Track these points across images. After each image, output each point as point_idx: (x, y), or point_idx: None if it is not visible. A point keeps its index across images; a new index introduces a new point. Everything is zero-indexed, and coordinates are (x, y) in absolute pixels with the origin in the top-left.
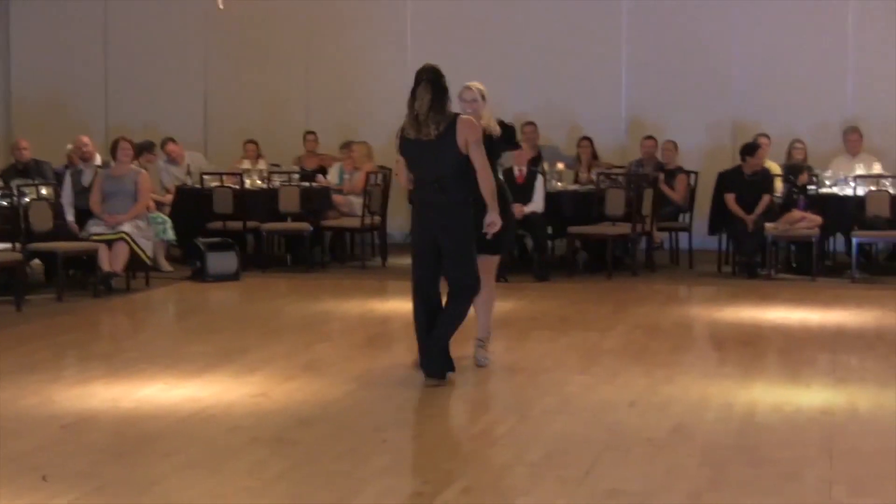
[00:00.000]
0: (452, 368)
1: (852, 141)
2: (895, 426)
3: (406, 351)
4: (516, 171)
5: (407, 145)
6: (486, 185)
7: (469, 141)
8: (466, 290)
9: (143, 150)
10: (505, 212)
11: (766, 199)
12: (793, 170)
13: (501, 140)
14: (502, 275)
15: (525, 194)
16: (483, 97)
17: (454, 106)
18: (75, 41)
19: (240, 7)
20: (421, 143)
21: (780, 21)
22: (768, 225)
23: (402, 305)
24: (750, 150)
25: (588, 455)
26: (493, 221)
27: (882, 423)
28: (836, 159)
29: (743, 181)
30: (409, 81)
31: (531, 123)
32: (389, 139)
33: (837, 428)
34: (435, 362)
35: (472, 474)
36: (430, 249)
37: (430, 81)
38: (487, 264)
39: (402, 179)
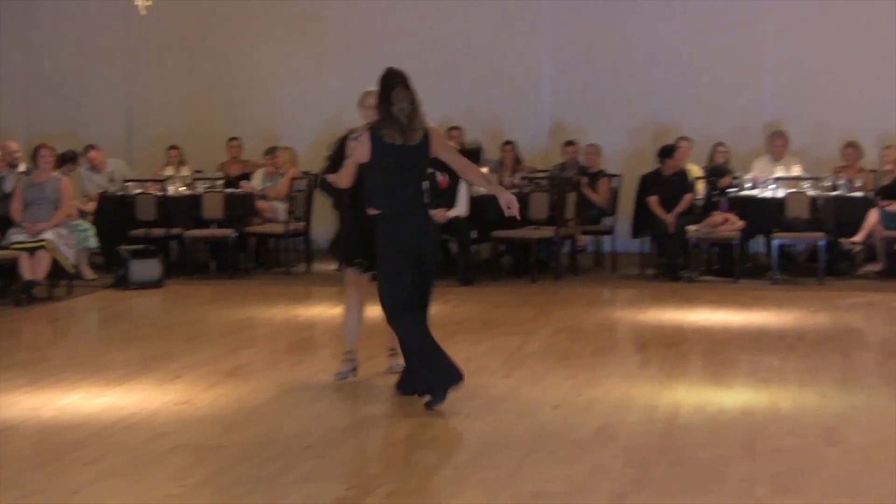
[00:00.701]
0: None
1: (777, 145)
2: (816, 425)
3: (330, 357)
4: (439, 177)
5: (388, 151)
6: (478, 177)
7: (441, 149)
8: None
9: (65, 160)
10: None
11: (687, 198)
12: (715, 172)
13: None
14: None
15: (448, 198)
16: None
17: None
18: None
19: (162, 13)
20: (406, 150)
21: (700, 24)
22: (690, 228)
23: (326, 311)
24: (668, 151)
25: (513, 457)
26: (510, 198)
27: (803, 422)
28: (758, 161)
29: (663, 182)
30: (331, 87)
31: (456, 128)
32: (313, 144)
33: (759, 428)
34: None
35: (398, 478)
36: (411, 264)
37: (407, 86)
38: None
39: (346, 182)
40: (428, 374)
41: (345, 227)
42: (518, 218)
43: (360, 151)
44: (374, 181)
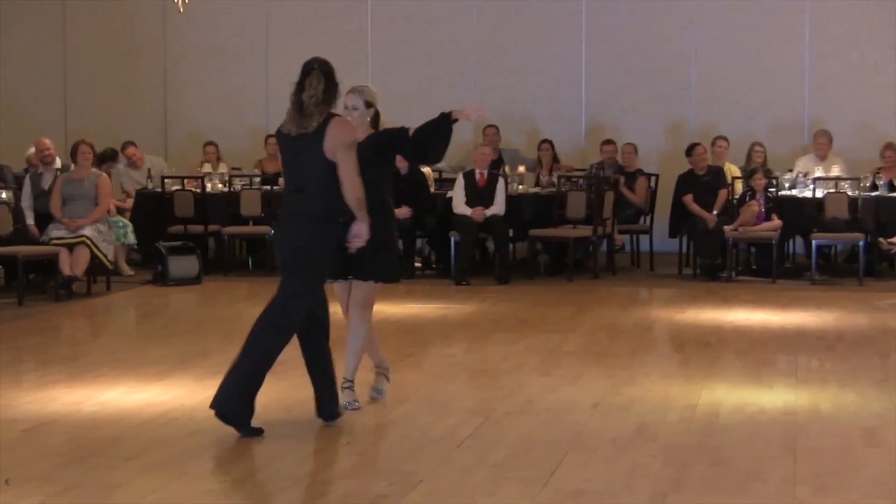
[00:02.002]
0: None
1: (820, 144)
2: (856, 426)
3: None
4: (477, 175)
5: (283, 142)
6: (352, 194)
7: (337, 146)
8: (280, 328)
9: (105, 158)
10: (386, 229)
11: (722, 194)
12: (749, 174)
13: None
14: (463, 278)
15: (486, 197)
16: (369, 104)
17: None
18: (34, 45)
19: (198, 10)
20: (298, 140)
21: (739, 25)
22: (727, 228)
23: None
24: (688, 150)
25: (551, 456)
26: (359, 232)
27: (843, 422)
28: (801, 160)
29: (697, 181)
30: (369, 83)
31: (493, 126)
32: None
33: (800, 428)
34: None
35: (436, 476)
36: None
37: (324, 72)
38: (358, 293)
39: None
40: (240, 394)
41: None
42: (349, 251)
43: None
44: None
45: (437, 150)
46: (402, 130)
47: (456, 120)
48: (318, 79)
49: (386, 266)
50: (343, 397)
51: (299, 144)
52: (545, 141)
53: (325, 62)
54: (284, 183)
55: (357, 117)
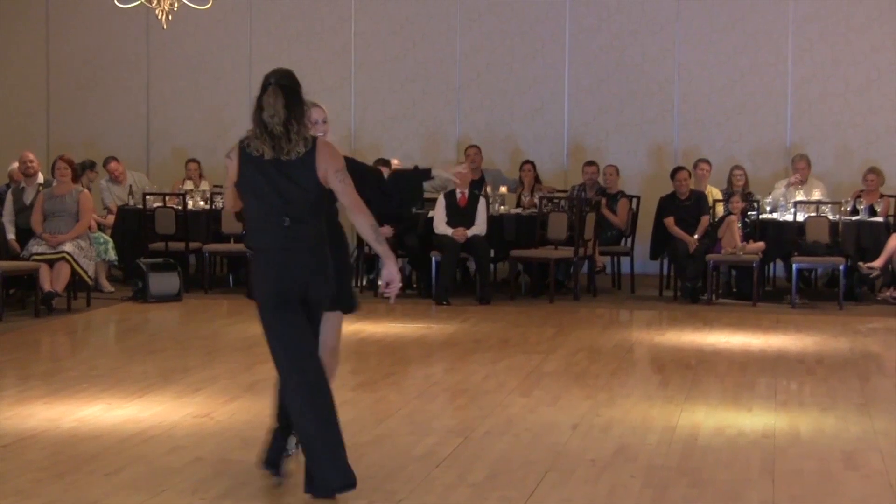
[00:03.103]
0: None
1: (800, 169)
2: (835, 449)
3: (348, 373)
4: (458, 194)
5: (252, 165)
6: (366, 223)
7: (330, 174)
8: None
9: (84, 168)
10: (346, 255)
11: (704, 220)
12: (727, 197)
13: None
14: (444, 298)
15: (468, 217)
16: (325, 120)
17: None
18: (17, 59)
19: (182, 26)
20: (276, 165)
21: (723, 48)
22: (709, 256)
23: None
24: (672, 174)
25: (531, 476)
26: (391, 276)
27: (822, 446)
28: (780, 183)
29: (679, 205)
30: (352, 102)
31: (475, 146)
32: None
33: (779, 451)
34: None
35: (416, 495)
36: (295, 308)
37: (283, 87)
38: (330, 328)
39: (230, 205)
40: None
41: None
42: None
43: (231, 169)
44: (247, 208)
45: (403, 203)
46: (378, 171)
47: (432, 178)
48: (274, 95)
49: (349, 294)
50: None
51: (280, 170)
52: (527, 162)
53: (285, 75)
54: (257, 211)
55: (324, 132)
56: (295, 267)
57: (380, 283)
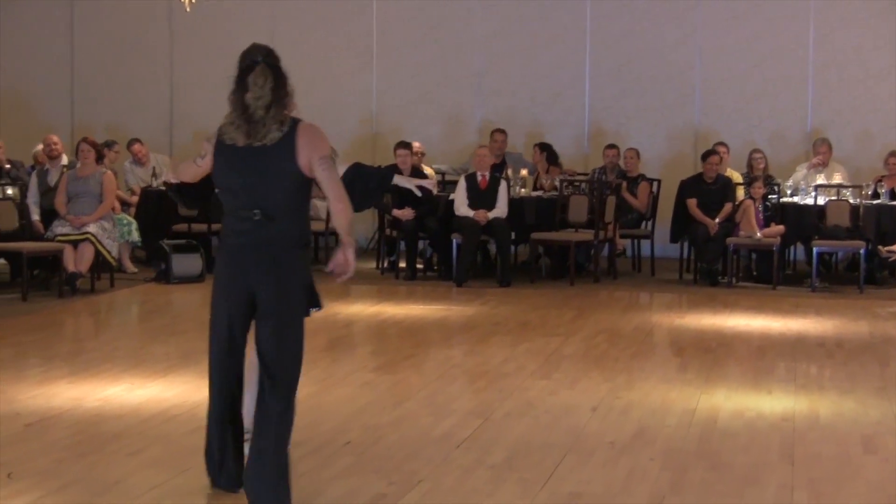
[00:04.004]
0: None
1: (822, 152)
2: (854, 433)
3: (369, 354)
4: (479, 177)
5: (226, 154)
6: (344, 216)
7: (314, 160)
8: (289, 381)
9: (105, 147)
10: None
11: (728, 207)
12: (749, 182)
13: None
14: (465, 280)
15: (488, 200)
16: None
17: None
18: (42, 42)
19: (205, 9)
20: (250, 154)
21: (743, 33)
22: (729, 239)
23: (365, 309)
24: (705, 155)
25: (550, 458)
26: (345, 260)
27: (841, 429)
28: (802, 166)
29: (704, 188)
30: (373, 86)
31: (501, 131)
32: (353, 144)
33: (798, 434)
34: (268, 487)
35: (435, 476)
36: (239, 310)
37: (270, 66)
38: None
39: (187, 175)
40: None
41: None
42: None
43: (208, 157)
44: (221, 197)
45: (361, 202)
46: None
47: (391, 188)
48: (263, 76)
49: (314, 292)
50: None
51: (254, 159)
52: (537, 145)
53: (271, 52)
54: (229, 200)
55: None
56: (249, 262)
57: (330, 265)
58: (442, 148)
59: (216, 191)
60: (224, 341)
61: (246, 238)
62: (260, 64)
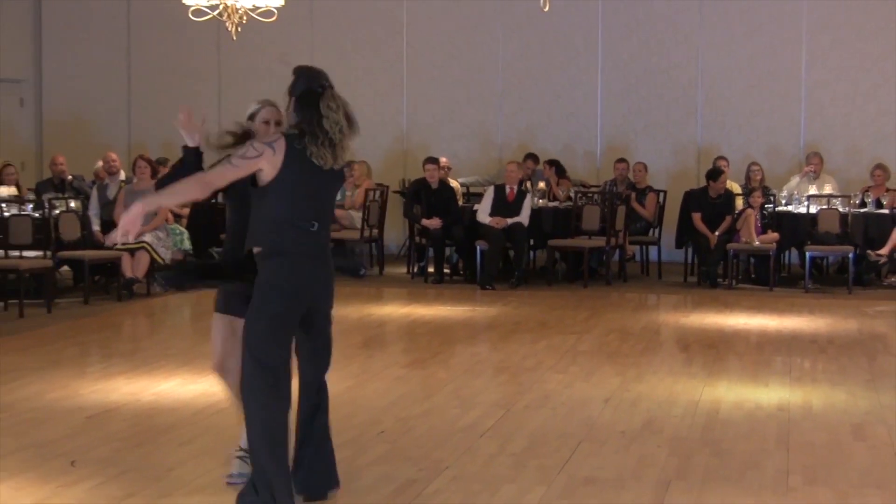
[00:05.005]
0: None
1: (814, 163)
2: (845, 422)
3: (400, 352)
4: (507, 189)
5: (309, 171)
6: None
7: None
8: (324, 384)
9: (159, 165)
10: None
11: (728, 220)
12: (749, 192)
13: None
14: (489, 283)
15: (514, 210)
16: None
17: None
18: (101, 65)
19: (250, 36)
20: (326, 174)
21: (742, 56)
22: (729, 245)
23: (396, 310)
24: (714, 175)
25: (566, 446)
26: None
27: (833, 418)
28: (795, 177)
29: (709, 202)
30: (404, 106)
31: (534, 159)
32: (385, 159)
33: (793, 423)
34: (322, 478)
35: (461, 463)
36: (296, 322)
37: (338, 95)
38: None
39: (220, 182)
40: (256, 486)
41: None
42: None
43: (266, 162)
44: (274, 208)
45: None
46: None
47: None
48: (335, 101)
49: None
50: (239, 468)
51: (327, 178)
52: (545, 161)
53: (328, 77)
54: (297, 214)
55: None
56: (312, 277)
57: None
58: (467, 162)
59: (268, 197)
60: (286, 350)
61: (305, 248)
62: (328, 89)
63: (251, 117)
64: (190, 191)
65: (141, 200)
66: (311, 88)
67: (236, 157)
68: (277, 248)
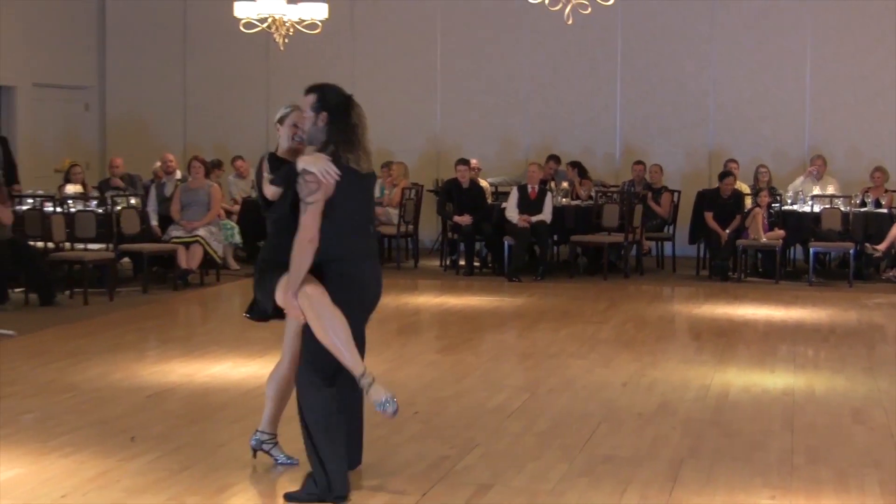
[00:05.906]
0: None
1: (818, 165)
2: (845, 406)
3: (433, 338)
4: (529, 189)
5: (353, 178)
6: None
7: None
8: None
9: (213, 167)
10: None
11: (738, 218)
12: (757, 192)
13: None
14: (516, 275)
15: (536, 208)
16: None
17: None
18: (159, 73)
19: (296, 47)
20: (365, 179)
21: (751, 66)
22: (739, 241)
23: (430, 300)
24: (723, 176)
25: (587, 427)
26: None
27: (834, 403)
28: (800, 179)
29: (720, 201)
30: (437, 111)
31: (556, 160)
32: (420, 159)
33: (797, 406)
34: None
35: (490, 442)
36: (363, 320)
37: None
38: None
39: (314, 232)
40: (313, 467)
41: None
42: None
43: (327, 183)
44: (336, 218)
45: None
46: None
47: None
48: (360, 111)
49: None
50: (279, 453)
51: (366, 183)
52: (568, 163)
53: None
54: (351, 220)
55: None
56: (374, 277)
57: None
58: (495, 163)
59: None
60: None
61: (366, 250)
62: (351, 98)
63: (280, 120)
64: (306, 257)
65: (285, 285)
66: (341, 100)
67: (305, 198)
68: (337, 253)
